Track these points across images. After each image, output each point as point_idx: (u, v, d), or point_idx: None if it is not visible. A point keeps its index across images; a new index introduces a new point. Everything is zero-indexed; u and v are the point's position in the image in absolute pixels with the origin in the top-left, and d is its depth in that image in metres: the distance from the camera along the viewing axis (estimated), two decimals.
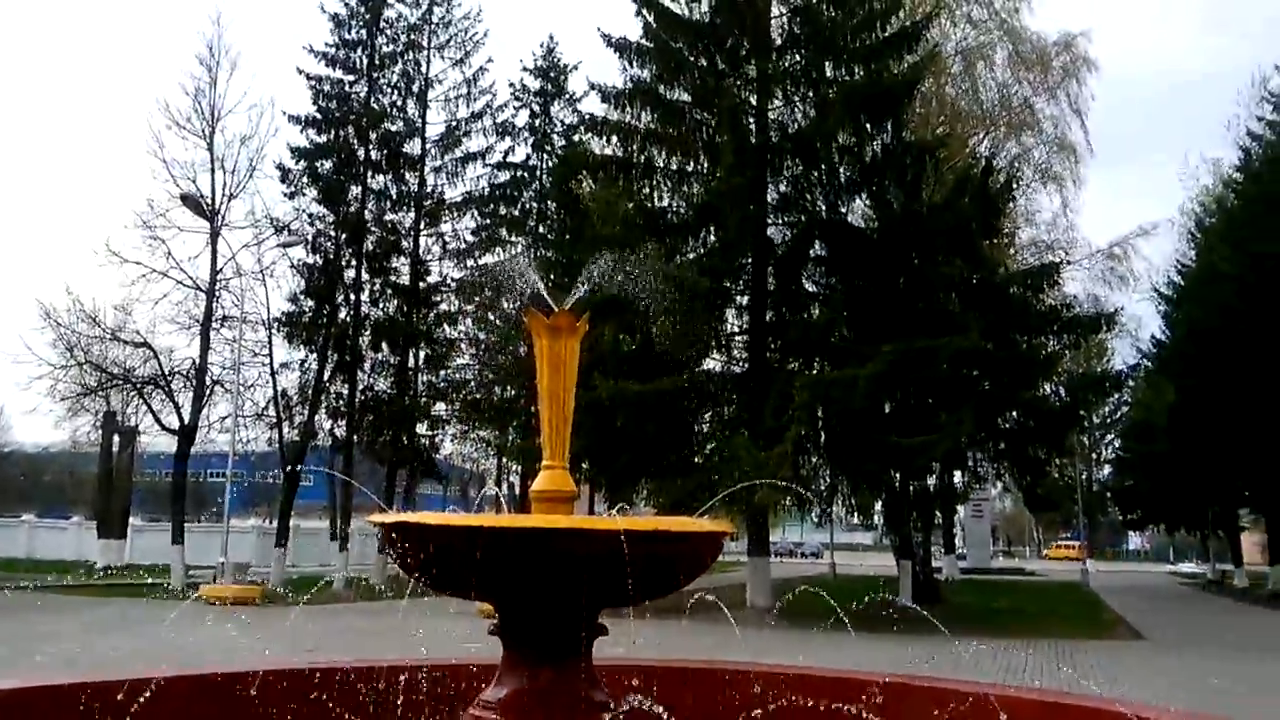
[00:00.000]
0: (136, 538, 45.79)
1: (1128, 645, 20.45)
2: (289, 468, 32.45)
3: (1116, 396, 49.84)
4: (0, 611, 22.12)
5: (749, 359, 25.41)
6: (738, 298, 26.57)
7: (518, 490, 41.29)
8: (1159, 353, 46.03)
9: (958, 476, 31.36)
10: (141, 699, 5.38)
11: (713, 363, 26.30)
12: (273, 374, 32.79)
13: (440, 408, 36.68)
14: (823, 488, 23.71)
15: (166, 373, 31.10)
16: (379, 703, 6.02)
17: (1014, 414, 26.08)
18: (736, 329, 27.07)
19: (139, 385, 31.69)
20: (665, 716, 4.49)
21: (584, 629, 4.73)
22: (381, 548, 29.74)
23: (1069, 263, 35.46)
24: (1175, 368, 39.25)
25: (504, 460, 45.25)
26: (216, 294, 30.94)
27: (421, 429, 35.97)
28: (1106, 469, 71.21)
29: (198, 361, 30.19)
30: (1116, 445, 65.75)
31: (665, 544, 4.53)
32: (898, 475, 22.72)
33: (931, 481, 25.49)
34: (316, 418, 33.01)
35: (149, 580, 30.93)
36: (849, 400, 20.15)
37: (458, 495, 66.42)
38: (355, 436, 33.95)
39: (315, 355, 32.99)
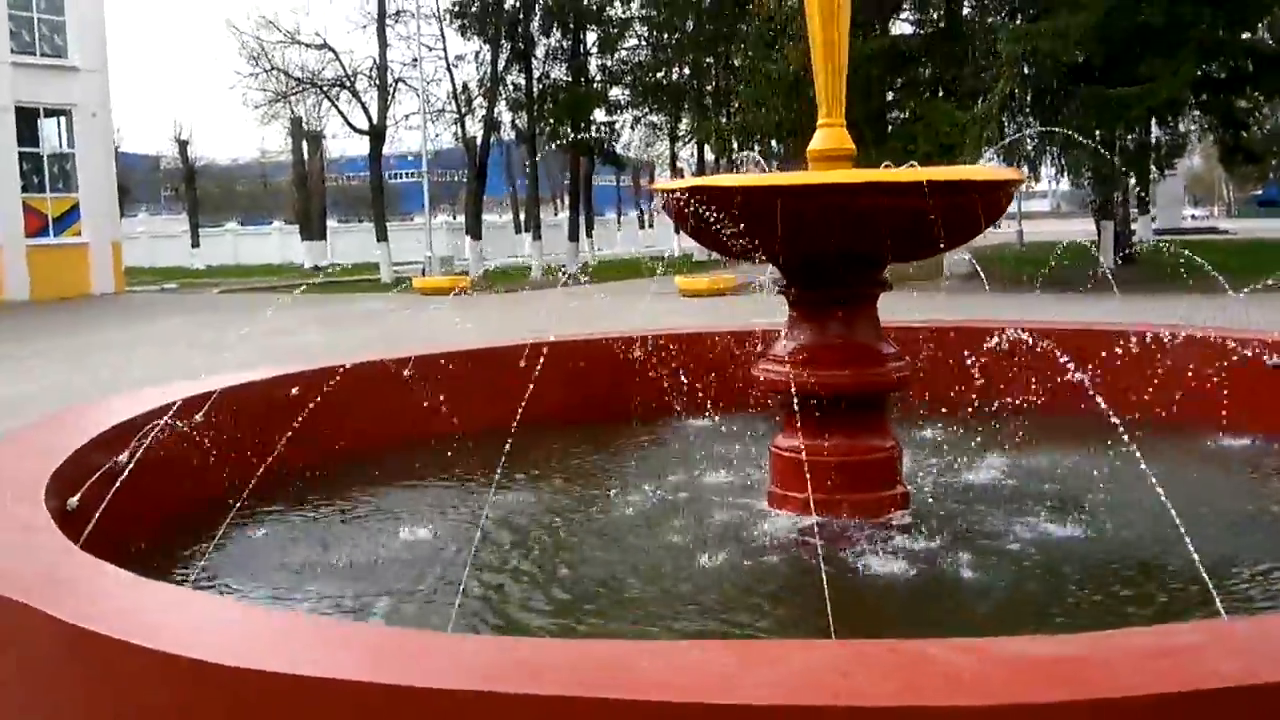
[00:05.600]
0: (335, 239, 47.92)
1: None
2: (477, 160, 32.83)
3: None
4: (223, 312, 23.74)
5: (945, 16, 23.77)
6: None
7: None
8: None
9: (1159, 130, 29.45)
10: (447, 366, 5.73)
11: (904, 25, 24.78)
12: (449, 68, 32.80)
13: (616, 93, 35.99)
14: (1029, 149, 22.61)
15: (350, 74, 31.50)
16: (668, 367, 6.26)
17: (1230, 60, 24.02)
18: None
19: (326, 88, 32.24)
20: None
21: (875, 283, 4.74)
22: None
23: None
24: None
25: (675, 146, 44.88)
26: None
27: (600, 115, 35.56)
28: None
29: (377, 60, 30.36)
30: None
31: (968, 194, 4.43)
32: (1113, 131, 21.39)
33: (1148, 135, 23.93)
34: (496, 110, 32.99)
35: (361, 278, 32.67)
36: (1062, 50, 18.73)
37: (630, 185, 66.70)
38: (536, 128, 33.81)
39: (489, 46, 32.53)
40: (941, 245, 4.51)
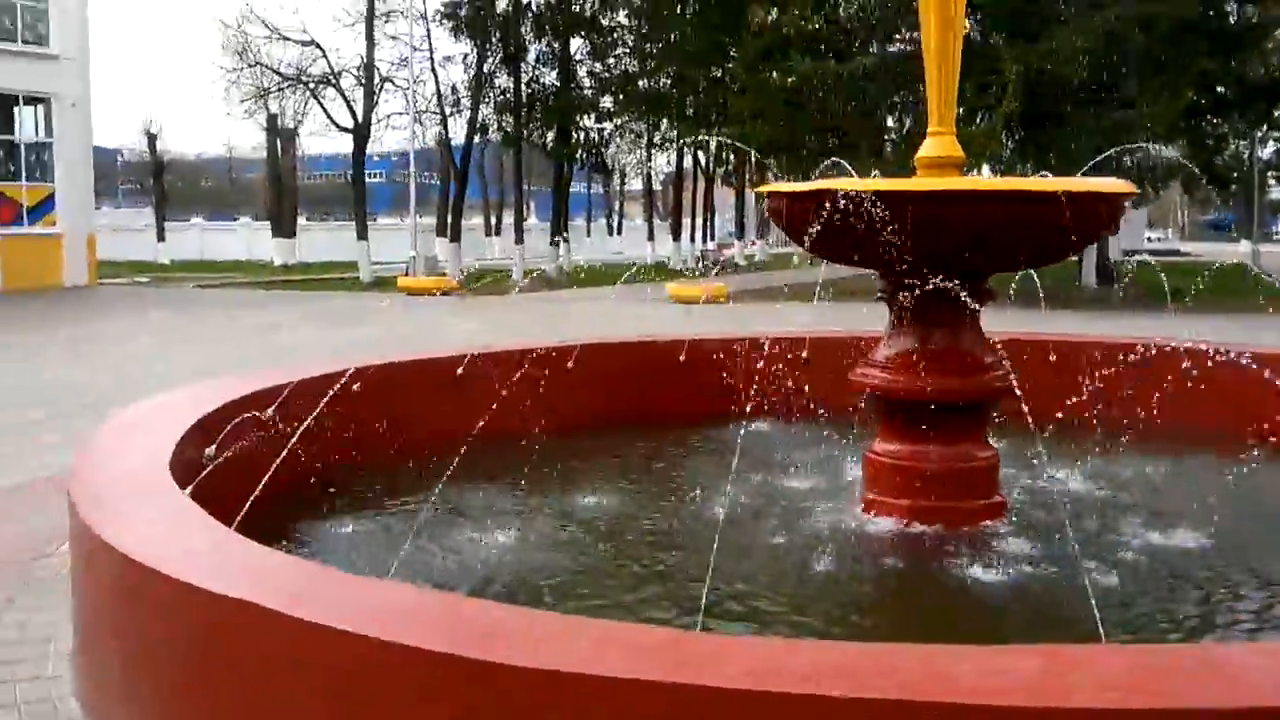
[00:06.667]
0: (304, 236, 47.11)
1: None
2: (458, 163, 32.55)
3: None
4: (206, 307, 23.28)
5: None
6: None
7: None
8: None
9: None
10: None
11: (899, 44, 24.83)
12: (434, 69, 32.52)
13: (606, 101, 35.72)
14: (1029, 166, 22.80)
15: (335, 72, 31.20)
16: (757, 372, 6.19)
17: (1222, 88, 24.40)
18: None
19: (312, 85, 31.92)
20: None
21: (981, 292, 4.71)
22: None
23: None
24: None
25: (653, 153, 44.97)
26: None
27: (588, 122, 35.29)
28: (1270, 145, 67.00)
29: (365, 58, 30.10)
30: None
31: (1096, 203, 4.43)
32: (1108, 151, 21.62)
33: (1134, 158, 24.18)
34: (483, 113, 32.67)
35: (336, 276, 32.33)
36: (1063, 70, 18.86)
37: (601, 191, 66.75)
38: (523, 131, 33.51)
39: (477, 48, 32.23)
40: (1071, 254, 4.53)
